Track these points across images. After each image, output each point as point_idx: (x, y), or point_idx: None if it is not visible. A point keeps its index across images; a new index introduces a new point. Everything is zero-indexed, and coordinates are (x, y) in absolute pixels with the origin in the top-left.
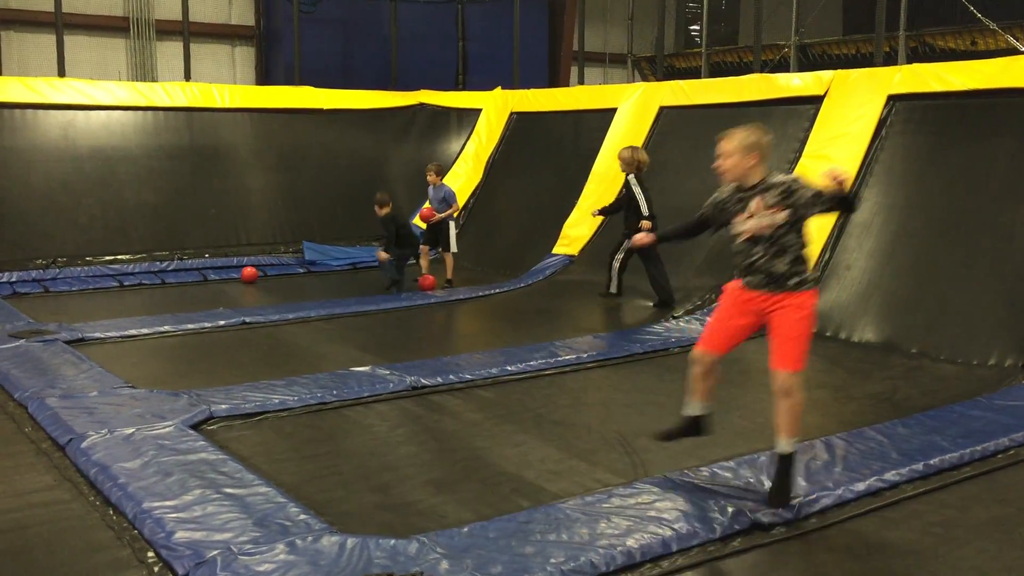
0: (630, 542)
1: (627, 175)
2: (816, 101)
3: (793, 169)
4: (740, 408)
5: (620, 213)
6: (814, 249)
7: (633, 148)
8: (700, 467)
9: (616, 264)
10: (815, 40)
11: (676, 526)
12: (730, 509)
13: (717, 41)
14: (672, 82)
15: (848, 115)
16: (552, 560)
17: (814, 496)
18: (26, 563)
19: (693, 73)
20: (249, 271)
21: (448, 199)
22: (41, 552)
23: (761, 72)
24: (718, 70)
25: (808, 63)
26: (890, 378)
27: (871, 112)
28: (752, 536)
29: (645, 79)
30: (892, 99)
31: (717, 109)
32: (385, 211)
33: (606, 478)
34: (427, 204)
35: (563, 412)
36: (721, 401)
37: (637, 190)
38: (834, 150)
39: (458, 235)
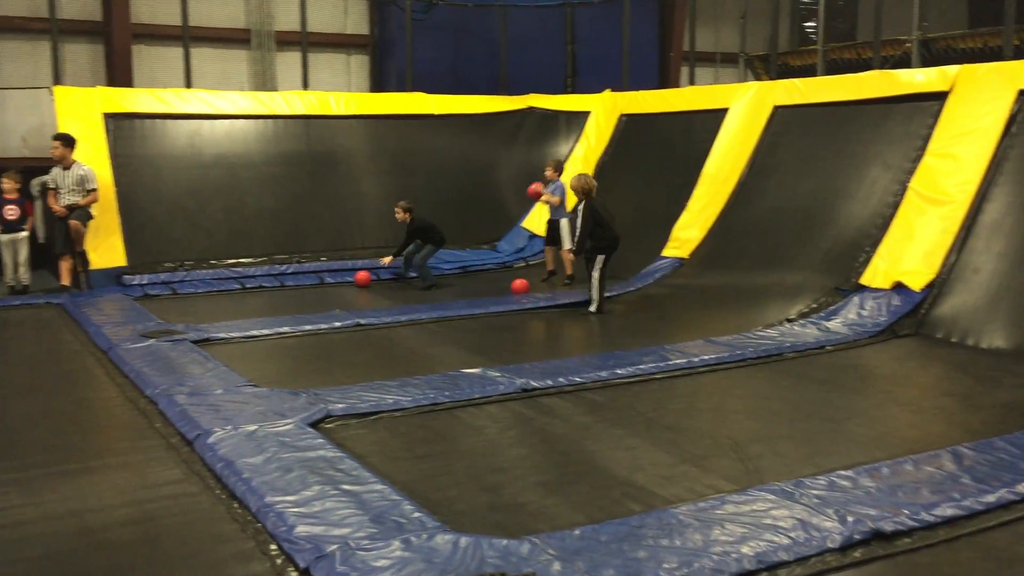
0: (745, 549)
1: (580, 201)
2: (940, 97)
3: (915, 168)
4: (858, 415)
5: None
6: (938, 250)
7: (581, 176)
8: (817, 476)
9: (596, 281)
10: (939, 34)
11: (793, 534)
12: (850, 518)
13: (834, 37)
14: (786, 80)
15: (975, 111)
16: (665, 565)
17: (940, 506)
18: (158, 552)
19: (808, 71)
20: (362, 275)
21: (556, 193)
22: (171, 542)
23: (881, 68)
24: (835, 68)
25: (931, 58)
26: (1022, 386)
27: (1000, 108)
28: (873, 547)
29: (758, 78)
30: (1023, 94)
31: (834, 108)
32: (406, 216)
33: (719, 484)
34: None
35: (674, 417)
36: (839, 408)
37: (579, 220)
38: (960, 148)
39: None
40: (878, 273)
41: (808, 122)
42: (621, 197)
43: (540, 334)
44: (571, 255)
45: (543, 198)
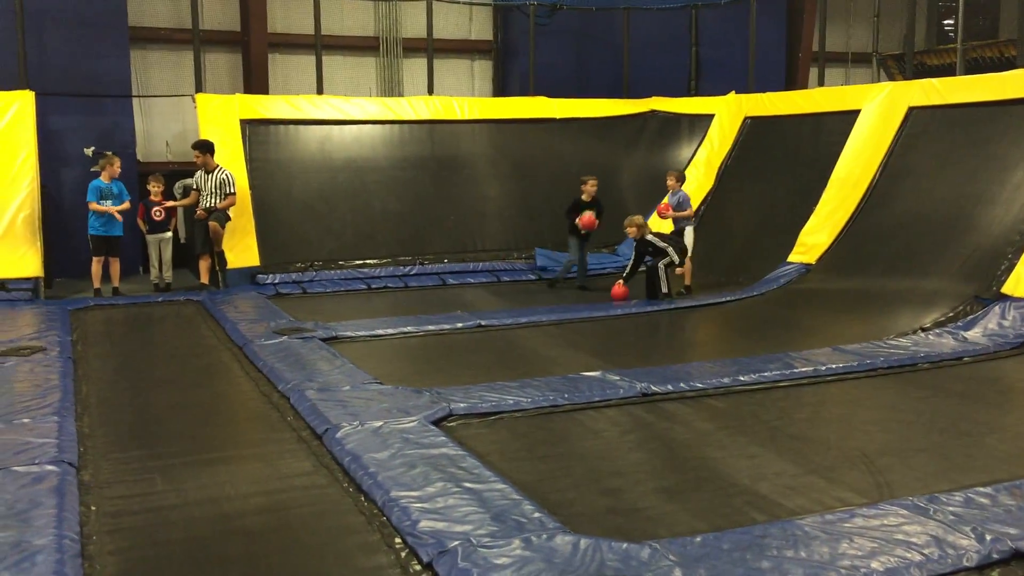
0: (875, 564)
1: (643, 237)
2: None
3: None
4: (999, 431)
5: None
6: None
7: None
8: (953, 492)
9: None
10: None
11: (926, 551)
12: (988, 537)
13: (974, 35)
14: (923, 80)
15: None
16: None
17: None
18: (289, 540)
19: (946, 71)
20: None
21: (683, 204)
22: (302, 531)
23: None
24: (975, 67)
25: None
26: None
27: None
28: (1013, 567)
29: (892, 79)
30: None
31: (974, 108)
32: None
33: (847, 497)
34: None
35: (800, 426)
36: (977, 422)
37: (661, 243)
38: None
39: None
40: (1022, 281)
41: (946, 124)
42: (745, 202)
43: (661, 338)
44: (688, 265)
45: (669, 214)
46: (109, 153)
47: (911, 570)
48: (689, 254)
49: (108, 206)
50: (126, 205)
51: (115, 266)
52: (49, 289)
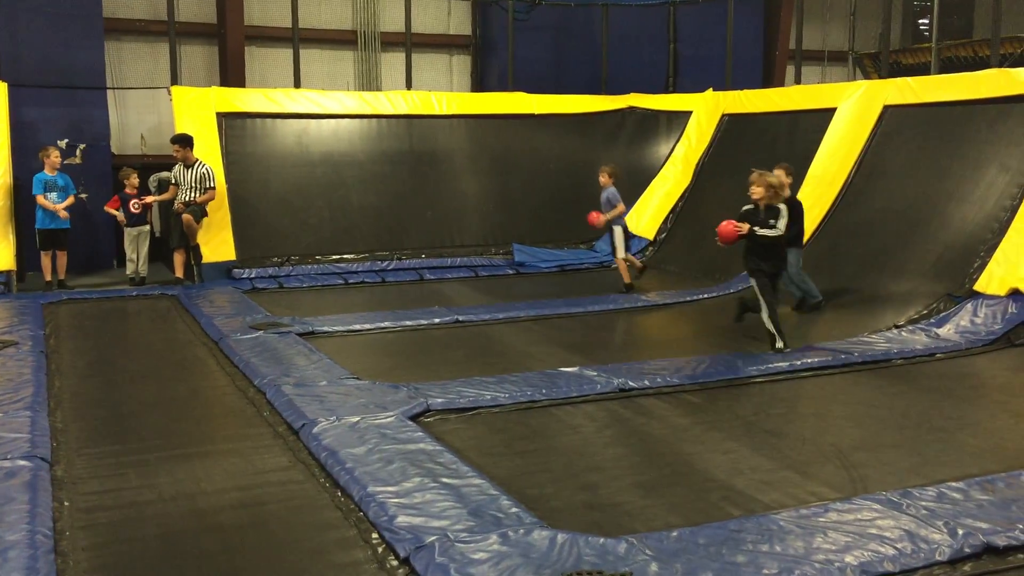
0: (849, 558)
1: (768, 205)
2: None
3: None
4: (970, 426)
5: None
6: None
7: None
8: (926, 487)
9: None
10: None
11: (899, 545)
12: (960, 531)
13: (949, 35)
14: (898, 79)
15: None
16: (764, 571)
17: None
18: (265, 536)
19: (921, 70)
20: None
21: (610, 200)
22: (278, 527)
23: (999, 67)
24: (950, 66)
25: None
26: None
27: None
28: (984, 561)
29: (868, 77)
30: None
31: (949, 107)
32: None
33: (821, 492)
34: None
35: (775, 421)
36: (949, 417)
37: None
38: None
39: (663, 239)
40: (993, 279)
41: (920, 122)
42: (721, 198)
43: (638, 334)
44: (625, 263)
45: (602, 220)
46: (54, 145)
47: (884, 564)
48: (621, 255)
49: (53, 200)
50: (71, 200)
51: (61, 259)
52: (21, 283)
